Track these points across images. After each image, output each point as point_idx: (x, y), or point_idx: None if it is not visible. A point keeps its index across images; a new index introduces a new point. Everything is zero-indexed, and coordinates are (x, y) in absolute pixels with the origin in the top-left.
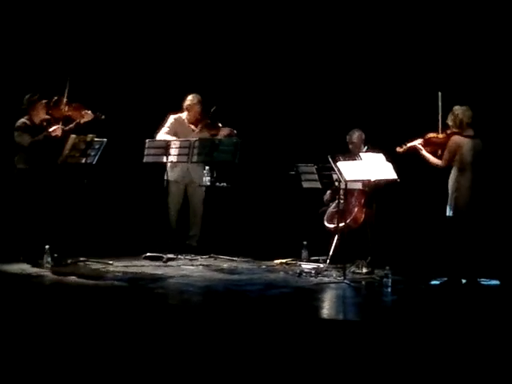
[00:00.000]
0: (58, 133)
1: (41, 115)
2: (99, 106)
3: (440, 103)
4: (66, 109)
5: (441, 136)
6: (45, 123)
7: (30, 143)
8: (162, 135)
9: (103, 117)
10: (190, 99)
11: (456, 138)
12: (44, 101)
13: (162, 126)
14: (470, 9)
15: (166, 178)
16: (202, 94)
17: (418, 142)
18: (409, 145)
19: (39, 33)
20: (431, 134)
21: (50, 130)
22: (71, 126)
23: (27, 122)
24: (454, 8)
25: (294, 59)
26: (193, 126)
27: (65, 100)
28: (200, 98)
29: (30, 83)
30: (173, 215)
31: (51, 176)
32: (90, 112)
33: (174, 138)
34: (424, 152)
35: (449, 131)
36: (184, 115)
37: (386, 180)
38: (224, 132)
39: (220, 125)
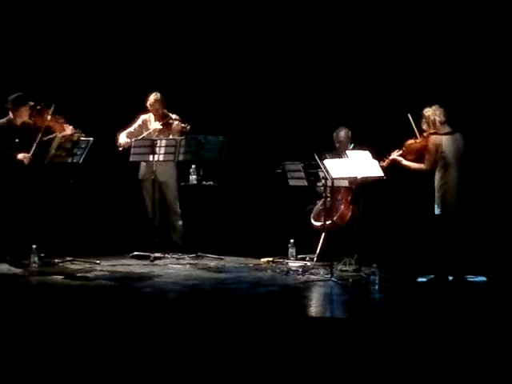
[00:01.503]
0: (26, 162)
1: (23, 117)
2: (85, 105)
3: (413, 123)
4: (49, 118)
5: (419, 140)
6: (31, 127)
7: None
8: (123, 136)
9: (83, 135)
10: (148, 99)
11: (433, 138)
12: (30, 103)
13: (130, 126)
14: (445, 10)
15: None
16: (189, 93)
17: (398, 153)
18: (390, 158)
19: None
20: (410, 141)
21: (19, 156)
22: (50, 136)
23: (4, 124)
24: (432, 11)
25: (281, 58)
26: (157, 124)
27: (50, 111)
28: (157, 96)
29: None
30: (150, 212)
31: (38, 175)
32: (71, 127)
33: (128, 141)
34: (404, 162)
35: (425, 134)
36: (152, 114)
37: (372, 177)
38: (177, 128)
39: (174, 121)
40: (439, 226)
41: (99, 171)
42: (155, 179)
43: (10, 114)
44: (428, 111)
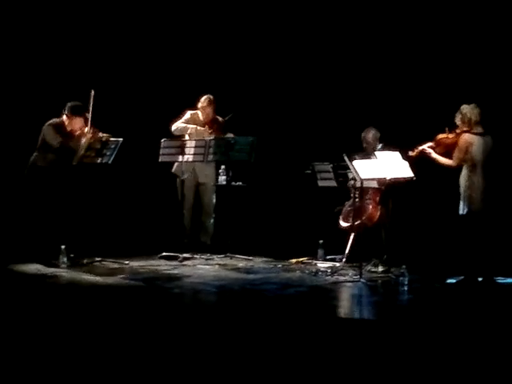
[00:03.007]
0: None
1: (75, 127)
2: (114, 108)
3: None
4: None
5: (451, 136)
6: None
7: (59, 143)
8: (179, 123)
9: (108, 135)
10: (201, 101)
11: (466, 136)
12: (87, 115)
13: (178, 119)
14: (472, 9)
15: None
16: (218, 94)
17: (428, 145)
18: (420, 148)
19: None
20: (441, 135)
21: (85, 130)
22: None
23: (59, 123)
24: (459, 10)
25: (309, 58)
26: (206, 128)
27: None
28: (211, 100)
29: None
30: (185, 212)
31: (68, 175)
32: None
33: (192, 126)
34: (433, 155)
35: (458, 130)
36: (200, 113)
37: (402, 178)
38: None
39: (229, 133)
40: (464, 226)
41: (128, 172)
42: (196, 180)
43: (64, 118)
44: (465, 108)
